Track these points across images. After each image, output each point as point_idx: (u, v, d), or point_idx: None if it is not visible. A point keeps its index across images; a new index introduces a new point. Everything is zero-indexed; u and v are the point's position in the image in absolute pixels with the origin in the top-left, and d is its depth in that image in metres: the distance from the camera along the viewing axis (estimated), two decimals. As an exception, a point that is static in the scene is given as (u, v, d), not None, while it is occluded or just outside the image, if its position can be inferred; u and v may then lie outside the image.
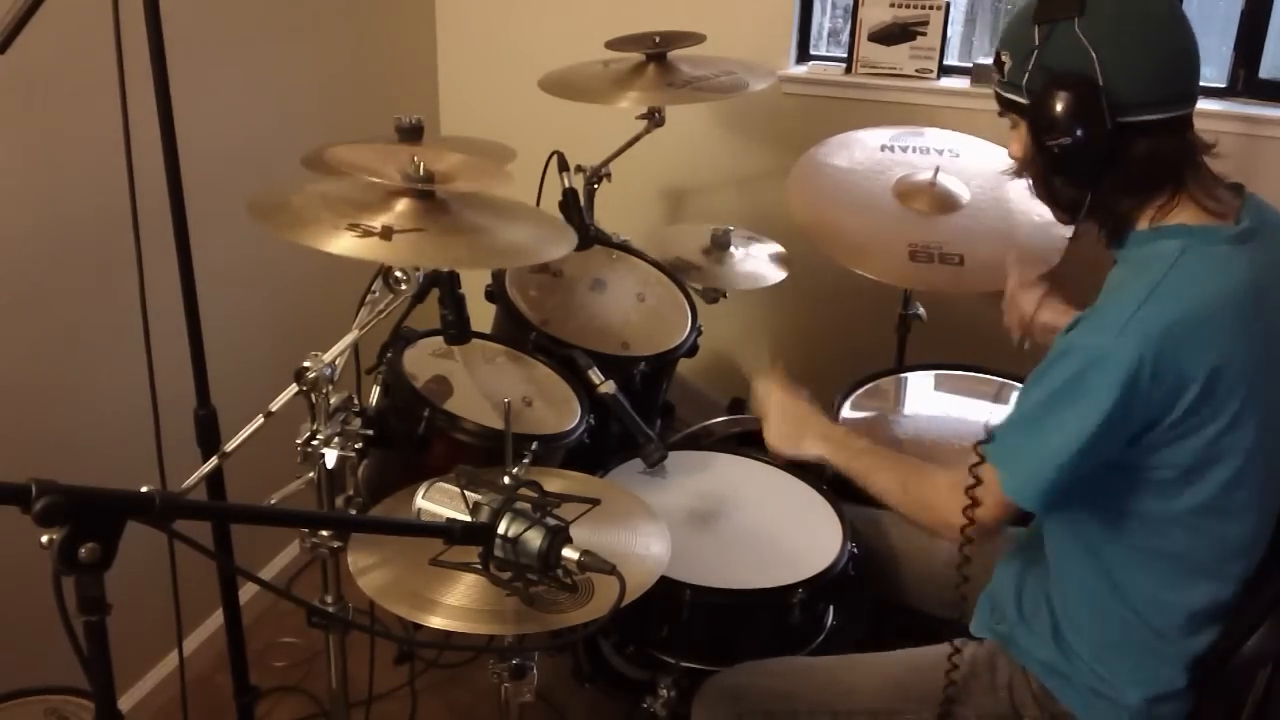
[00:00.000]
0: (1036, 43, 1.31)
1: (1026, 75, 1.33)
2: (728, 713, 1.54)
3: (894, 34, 2.59)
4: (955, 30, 2.72)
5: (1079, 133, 1.29)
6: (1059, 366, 1.29)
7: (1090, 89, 1.28)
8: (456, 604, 1.31)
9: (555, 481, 1.61)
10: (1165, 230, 1.32)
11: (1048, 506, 1.35)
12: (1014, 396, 2.14)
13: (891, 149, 2.35)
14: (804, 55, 2.77)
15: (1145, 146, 1.30)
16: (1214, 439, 1.27)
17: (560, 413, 1.88)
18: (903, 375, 2.36)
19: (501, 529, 1.14)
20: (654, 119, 2.29)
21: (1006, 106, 1.40)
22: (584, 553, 1.14)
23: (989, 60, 1.51)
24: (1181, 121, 1.31)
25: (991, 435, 1.37)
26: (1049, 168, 1.37)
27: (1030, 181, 1.44)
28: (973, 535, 1.37)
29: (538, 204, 2.17)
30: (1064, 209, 1.42)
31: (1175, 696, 1.41)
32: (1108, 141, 1.29)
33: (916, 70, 2.59)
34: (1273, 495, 1.37)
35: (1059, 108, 1.29)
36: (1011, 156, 1.45)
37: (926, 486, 1.46)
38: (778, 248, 2.46)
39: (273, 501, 1.44)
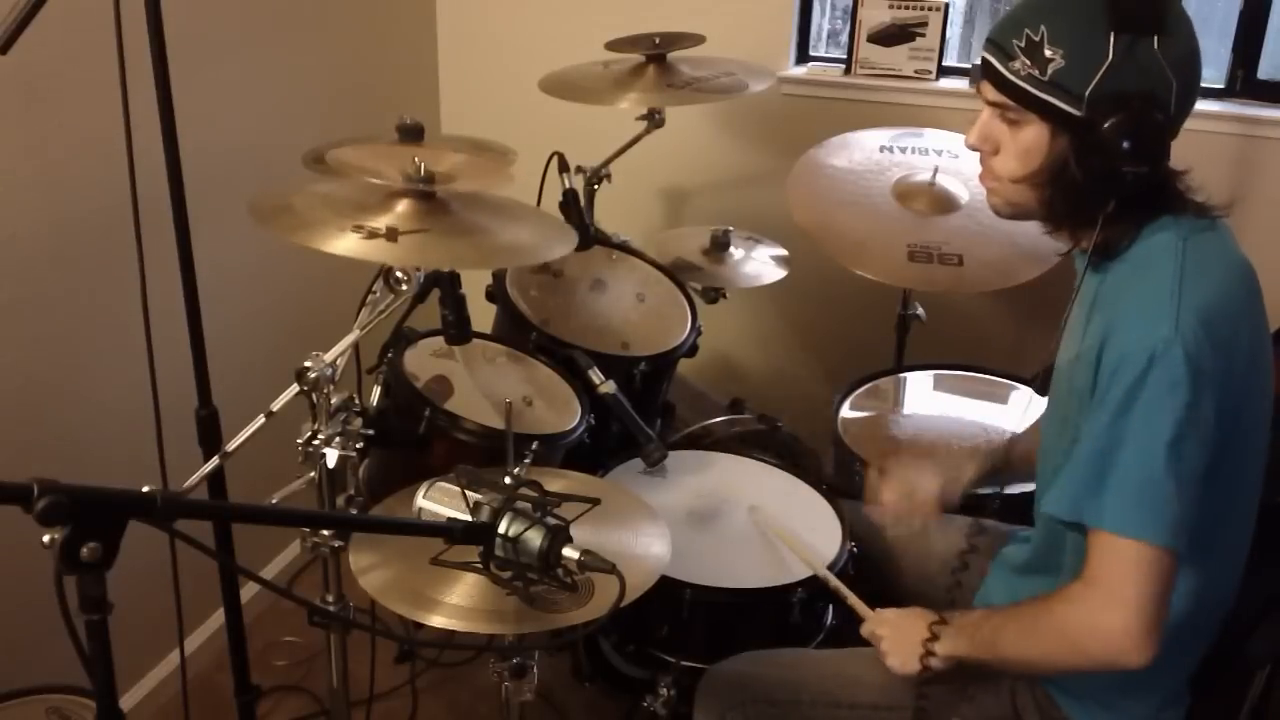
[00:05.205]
0: (1111, 54, 1.20)
1: (1091, 86, 1.21)
2: (731, 701, 1.52)
3: (893, 35, 2.59)
4: (954, 31, 2.72)
5: (1139, 158, 1.21)
6: (1128, 389, 1.18)
7: (1164, 116, 1.21)
8: (457, 603, 1.31)
9: (556, 481, 1.61)
10: (1154, 225, 1.30)
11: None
12: (1018, 398, 2.17)
13: (890, 150, 2.36)
14: (803, 56, 2.77)
15: (1167, 169, 1.29)
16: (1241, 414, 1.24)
17: (561, 413, 1.88)
18: (902, 375, 2.37)
19: (502, 528, 1.14)
20: (654, 120, 2.29)
21: (1031, 105, 1.26)
22: (584, 552, 1.14)
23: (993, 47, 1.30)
24: None
25: (1072, 505, 1.23)
26: (1082, 186, 1.26)
27: (1036, 191, 1.32)
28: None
29: (538, 205, 2.17)
30: (1067, 225, 1.35)
31: (1174, 701, 1.41)
32: (1159, 169, 1.25)
33: (915, 71, 2.60)
34: (1258, 463, 1.34)
35: (1128, 130, 1.20)
36: (979, 149, 1.35)
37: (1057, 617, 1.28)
38: (778, 248, 2.46)
39: (274, 501, 1.44)
